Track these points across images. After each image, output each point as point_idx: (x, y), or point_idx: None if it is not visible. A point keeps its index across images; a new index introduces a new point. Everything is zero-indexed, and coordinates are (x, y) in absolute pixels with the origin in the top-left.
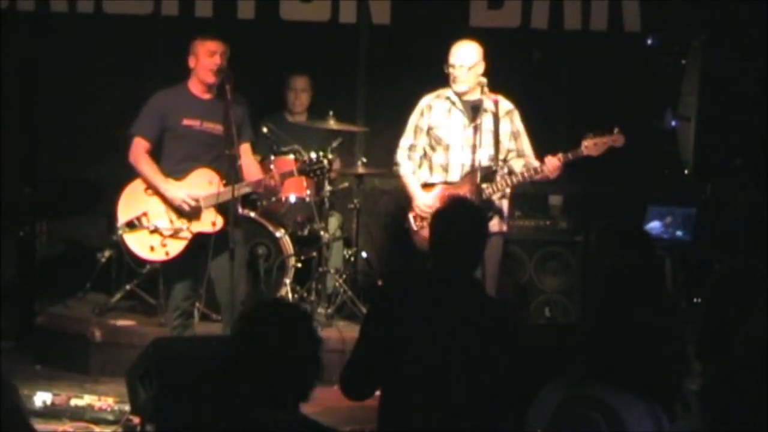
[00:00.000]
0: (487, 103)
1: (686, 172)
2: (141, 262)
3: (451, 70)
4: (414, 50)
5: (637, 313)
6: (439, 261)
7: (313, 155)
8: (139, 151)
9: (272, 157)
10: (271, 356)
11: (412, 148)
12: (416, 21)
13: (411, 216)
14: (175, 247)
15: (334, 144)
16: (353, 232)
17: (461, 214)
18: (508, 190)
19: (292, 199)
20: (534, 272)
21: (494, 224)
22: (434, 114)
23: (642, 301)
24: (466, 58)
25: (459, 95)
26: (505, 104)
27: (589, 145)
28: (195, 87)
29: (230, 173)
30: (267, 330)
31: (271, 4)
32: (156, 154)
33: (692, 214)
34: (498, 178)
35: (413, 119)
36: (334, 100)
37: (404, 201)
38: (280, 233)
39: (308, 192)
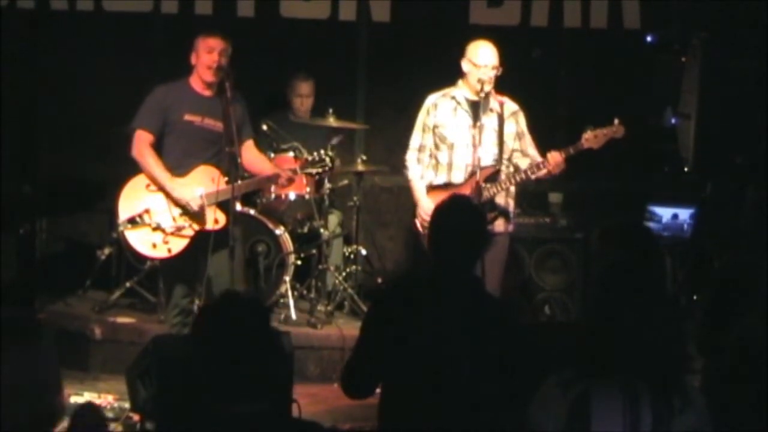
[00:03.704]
0: (493, 104)
1: (686, 169)
2: (141, 258)
3: (479, 72)
4: (413, 48)
5: (635, 309)
6: (438, 259)
7: (316, 155)
8: (143, 144)
9: (272, 155)
10: (227, 350)
11: (421, 148)
12: (416, 19)
13: (418, 220)
14: (178, 245)
15: (335, 141)
16: (353, 230)
17: (458, 211)
18: (513, 189)
19: (292, 196)
20: (534, 270)
21: (500, 224)
22: (440, 113)
23: (641, 298)
24: (493, 58)
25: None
26: (511, 105)
27: (590, 138)
28: (196, 83)
29: (230, 171)
30: (220, 325)
31: (271, 2)
32: (155, 149)
33: (692, 212)
34: (503, 176)
35: (420, 118)
36: (334, 97)
37: (407, 200)
38: (279, 230)
39: (308, 189)
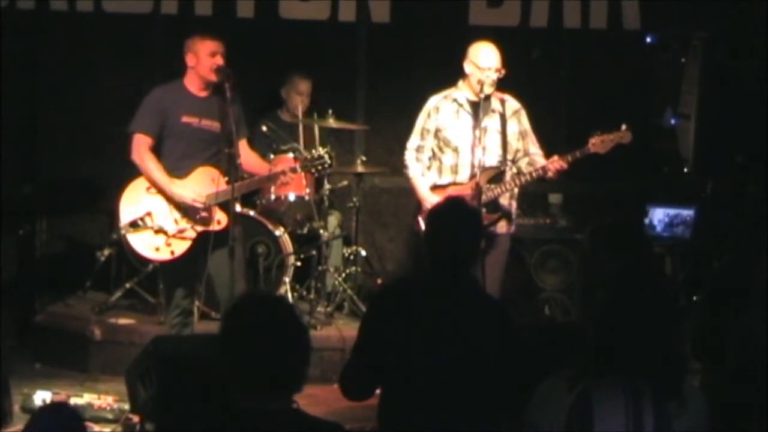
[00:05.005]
0: (495, 103)
1: (686, 170)
2: (144, 261)
3: (481, 74)
4: (413, 48)
5: (637, 309)
6: (435, 260)
7: (315, 153)
8: (142, 148)
9: (272, 156)
10: (260, 347)
11: (419, 149)
12: (415, 19)
13: (421, 219)
14: (180, 247)
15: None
16: (353, 231)
17: (454, 212)
18: (516, 190)
19: (292, 197)
20: (534, 270)
21: (502, 226)
22: (442, 115)
23: (642, 298)
24: (496, 60)
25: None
26: (513, 103)
27: (596, 143)
28: (192, 84)
29: (230, 171)
30: (255, 321)
31: (271, 2)
32: (154, 152)
33: (692, 212)
34: (507, 177)
35: (420, 121)
36: (334, 98)
37: (407, 201)
38: (279, 232)
39: (308, 190)
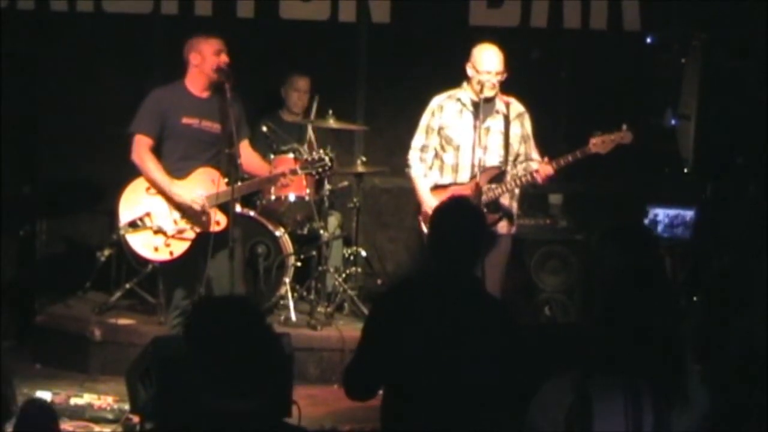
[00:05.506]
0: (499, 105)
1: (686, 171)
2: (143, 261)
3: (480, 77)
4: (413, 49)
5: (638, 310)
6: (438, 260)
7: (315, 154)
8: (142, 149)
9: (272, 157)
10: (218, 349)
11: (424, 148)
12: (416, 20)
13: (421, 219)
14: (179, 248)
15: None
16: (353, 231)
17: (458, 212)
18: (517, 191)
19: (292, 197)
20: (534, 271)
21: (503, 226)
22: (445, 114)
23: (644, 299)
24: (497, 64)
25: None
26: (517, 107)
27: (597, 143)
28: (192, 85)
29: (230, 172)
30: (210, 325)
31: (271, 3)
32: (154, 153)
33: (692, 213)
34: (508, 178)
35: (424, 119)
36: (334, 98)
37: (407, 201)
38: (279, 232)
39: (308, 191)
